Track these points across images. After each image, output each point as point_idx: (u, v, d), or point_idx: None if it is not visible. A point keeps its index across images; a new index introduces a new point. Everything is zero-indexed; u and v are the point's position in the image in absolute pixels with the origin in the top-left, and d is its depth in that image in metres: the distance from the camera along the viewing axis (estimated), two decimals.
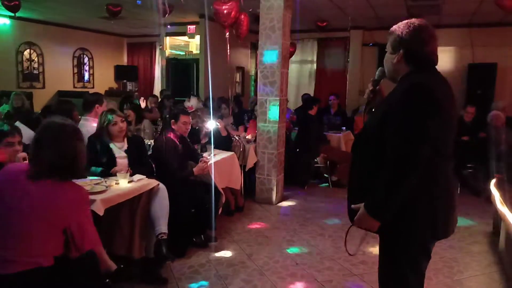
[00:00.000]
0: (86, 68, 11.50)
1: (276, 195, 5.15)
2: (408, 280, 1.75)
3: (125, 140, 3.38)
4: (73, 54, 10.97)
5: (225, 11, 4.78)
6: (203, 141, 4.58)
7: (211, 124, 4.51)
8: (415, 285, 1.78)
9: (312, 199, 5.46)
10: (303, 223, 4.52)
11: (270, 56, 4.86)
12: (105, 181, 2.94)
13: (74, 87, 11.07)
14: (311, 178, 6.20)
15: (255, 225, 4.42)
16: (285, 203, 5.24)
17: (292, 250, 3.79)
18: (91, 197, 2.63)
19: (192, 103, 5.85)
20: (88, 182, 2.88)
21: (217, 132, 4.65)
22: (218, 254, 3.64)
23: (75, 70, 11.12)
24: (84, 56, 11.34)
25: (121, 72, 11.97)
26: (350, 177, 1.85)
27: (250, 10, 5.13)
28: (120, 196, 2.79)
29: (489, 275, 3.37)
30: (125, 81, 12.03)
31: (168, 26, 7.95)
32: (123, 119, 3.31)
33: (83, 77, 11.43)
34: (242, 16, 5.40)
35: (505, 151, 5.13)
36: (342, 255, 3.65)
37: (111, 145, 3.29)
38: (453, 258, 3.62)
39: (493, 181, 3.98)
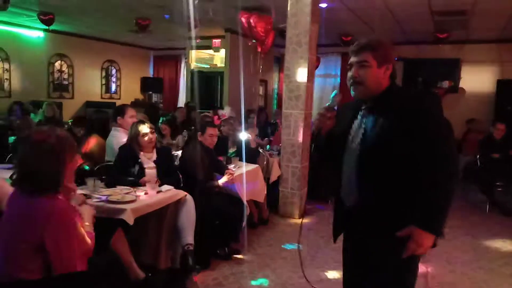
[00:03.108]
0: (114, 79, 11.82)
1: (299, 209, 5.12)
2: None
3: (154, 151, 3.45)
4: (101, 65, 11.30)
5: (258, 27, 4.84)
6: (231, 150, 4.64)
7: (243, 135, 4.57)
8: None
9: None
10: (327, 239, 4.47)
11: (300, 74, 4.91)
12: (135, 191, 3.00)
13: (102, 97, 11.39)
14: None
15: (278, 239, 4.40)
16: (308, 218, 5.21)
17: (316, 265, 3.76)
18: (121, 206, 2.70)
19: (226, 111, 5.99)
20: (118, 191, 2.95)
21: (246, 144, 4.70)
22: (242, 267, 3.64)
23: (103, 82, 11.44)
24: (112, 68, 11.66)
25: (147, 84, 12.24)
26: (361, 198, 1.79)
27: (281, 26, 5.18)
28: (150, 206, 2.84)
29: None
30: (150, 92, 12.30)
31: (198, 40, 8.10)
32: (153, 130, 3.38)
33: (111, 88, 11.74)
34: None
35: None
36: None
37: (141, 156, 3.35)
38: (483, 280, 3.50)
39: None
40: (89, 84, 10.96)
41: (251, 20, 5.17)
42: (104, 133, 4.20)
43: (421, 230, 1.64)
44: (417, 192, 1.66)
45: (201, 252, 3.43)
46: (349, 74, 1.82)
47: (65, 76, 10.34)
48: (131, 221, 2.62)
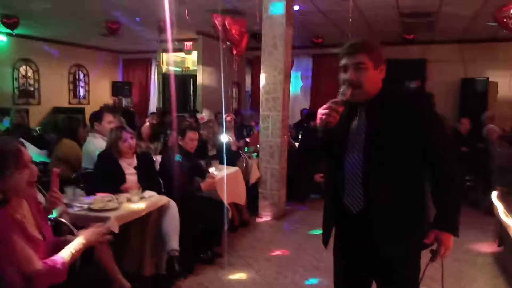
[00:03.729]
0: (82, 84, 11.51)
1: (279, 210, 5.16)
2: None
3: (134, 156, 3.39)
4: (68, 70, 10.98)
5: (233, 30, 4.85)
6: (211, 153, 4.62)
7: (224, 138, 4.56)
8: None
9: (314, 213, 5.47)
10: (307, 238, 4.53)
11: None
12: (116, 198, 2.94)
13: (70, 103, 11.07)
14: (311, 192, 6.22)
15: (260, 241, 4.42)
16: (288, 218, 5.25)
17: (299, 265, 3.79)
18: (105, 214, 2.64)
19: (204, 114, 5.94)
20: (100, 199, 2.88)
21: (227, 146, 4.69)
22: (226, 271, 3.63)
23: (71, 87, 11.12)
24: (80, 72, 11.35)
25: (116, 88, 11.96)
26: (376, 205, 1.70)
27: (257, 28, 5.20)
28: (134, 213, 2.80)
29: (495, 286, 3.41)
30: (120, 97, 12.04)
31: (176, 43, 8.01)
32: (133, 136, 3.33)
33: (79, 93, 11.42)
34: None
35: (503, 164, 5.23)
36: None
37: (121, 162, 3.29)
38: (460, 271, 3.65)
39: (495, 194, 4.05)
40: (56, 90, 10.62)
41: (226, 23, 5.16)
42: (75, 139, 4.10)
43: (446, 233, 1.70)
44: (424, 195, 1.72)
45: (185, 257, 3.40)
46: (344, 76, 1.71)
47: (31, 81, 9.99)
48: (116, 229, 2.56)
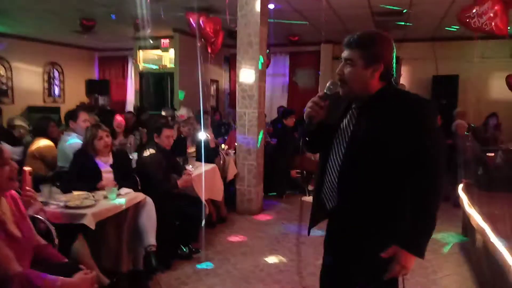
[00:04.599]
0: (57, 82, 11.31)
1: (256, 206, 5.26)
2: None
3: (110, 154, 3.42)
4: (43, 68, 10.79)
5: (207, 28, 4.90)
6: (190, 150, 4.68)
7: (202, 135, 4.62)
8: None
9: (291, 209, 5.60)
10: (284, 232, 4.64)
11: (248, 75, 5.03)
12: (93, 196, 2.97)
13: (45, 102, 10.87)
14: (288, 188, 6.34)
15: (237, 236, 4.50)
16: (265, 213, 5.36)
17: (275, 258, 3.90)
18: (81, 211, 2.67)
19: (183, 112, 6.00)
20: (76, 197, 2.90)
21: (205, 144, 4.74)
22: (203, 265, 3.70)
23: (46, 85, 10.92)
24: (54, 70, 11.16)
25: (92, 86, 11.83)
26: (344, 205, 1.69)
27: (233, 26, 5.27)
28: (110, 210, 2.83)
29: (461, 274, 3.60)
30: (96, 95, 11.89)
31: (151, 41, 7.99)
32: (108, 134, 3.35)
33: (54, 91, 11.23)
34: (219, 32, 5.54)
35: (470, 157, 5.47)
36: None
37: (97, 160, 3.31)
38: (427, 260, 3.82)
39: (461, 186, 4.25)
40: (30, 88, 10.40)
41: (200, 21, 5.21)
42: (46, 138, 4.08)
43: (406, 252, 1.54)
44: (397, 205, 1.59)
45: (162, 253, 3.45)
46: (337, 69, 1.68)
47: (3, 80, 9.77)
48: (92, 226, 2.60)
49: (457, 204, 4.69)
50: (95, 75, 12.45)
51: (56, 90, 11.32)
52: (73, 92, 11.58)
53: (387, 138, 1.56)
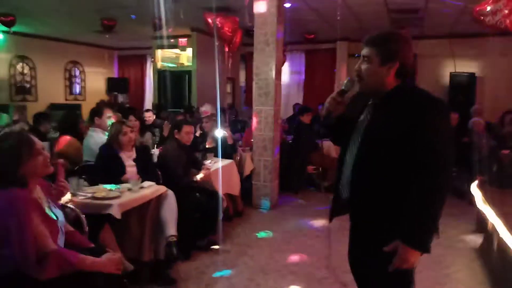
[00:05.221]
0: (78, 80, 11.65)
1: (272, 201, 5.38)
2: (411, 278, 1.77)
3: (134, 149, 3.58)
4: (64, 67, 11.12)
5: (225, 28, 5.03)
6: (211, 145, 4.85)
7: (219, 132, 4.77)
8: (413, 280, 1.80)
9: (306, 204, 5.70)
10: (299, 227, 4.76)
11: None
12: (118, 188, 3.13)
13: (66, 99, 11.21)
14: (303, 184, 6.44)
15: (253, 229, 4.63)
16: (280, 208, 5.48)
17: (290, 251, 4.02)
18: (107, 202, 2.84)
19: (205, 108, 6.21)
20: (102, 189, 3.07)
21: (223, 140, 4.90)
22: (221, 257, 3.84)
23: (67, 83, 11.26)
24: (76, 69, 11.48)
25: (112, 85, 12.13)
26: (353, 192, 1.78)
27: (250, 24, 5.39)
28: (135, 200, 2.99)
29: (473, 269, 3.65)
30: (116, 93, 12.19)
31: (170, 40, 8.18)
32: (132, 130, 3.52)
33: (75, 89, 11.57)
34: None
35: (486, 155, 5.47)
36: (337, 256, 3.88)
37: (121, 154, 3.48)
38: (441, 254, 3.88)
39: (475, 183, 4.28)
40: (52, 86, 10.77)
41: (217, 21, 5.34)
42: (75, 134, 4.27)
43: (407, 246, 1.59)
44: (404, 201, 1.61)
45: (182, 244, 3.60)
46: (355, 66, 1.78)
47: (28, 78, 10.12)
48: (118, 215, 2.76)
49: (472, 202, 4.73)
50: (114, 73, 12.75)
51: (77, 88, 11.66)
52: (93, 90, 11.91)
53: (397, 134, 1.62)
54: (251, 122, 5.99)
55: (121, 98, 12.30)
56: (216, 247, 4.03)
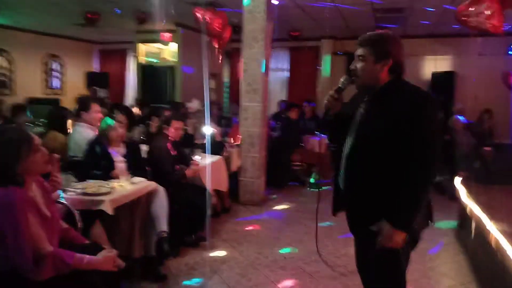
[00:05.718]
0: (57, 74, 11.36)
1: (258, 197, 5.40)
2: (402, 267, 1.90)
3: (123, 145, 3.53)
4: (43, 60, 10.83)
5: (215, 23, 5.00)
6: (199, 142, 4.81)
7: (208, 130, 4.74)
8: (404, 271, 1.95)
9: (292, 200, 5.74)
10: (287, 222, 4.79)
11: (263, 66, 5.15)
12: (108, 184, 3.08)
13: (45, 93, 10.92)
14: (289, 180, 6.48)
15: (241, 225, 4.64)
16: (267, 204, 5.50)
17: (280, 246, 4.04)
18: (99, 198, 2.79)
19: (193, 104, 6.13)
20: (92, 184, 3.02)
21: (211, 137, 4.87)
22: (210, 253, 3.84)
23: (45, 77, 10.97)
24: (54, 62, 11.20)
25: (92, 79, 11.84)
26: (348, 183, 1.92)
27: (236, 21, 5.38)
28: (126, 196, 2.96)
29: (457, 262, 3.76)
30: (96, 88, 11.93)
31: (155, 35, 8.06)
32: (122, 125, 3.47)
33: (53, 84, 11.29)
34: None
35: (466, 152, 5.63)
36: (326, 250, 3.94)
37: (110, 150, 3.43)
38: (425, 248, 3.98)
39: (458, 179, 4.40)
40: (30, 80, 10.46)
41: (207, 17, 5.31)
42: (63, 129, 4.17)
43: (390, 226, 1.73)
44: (394, 188, 1.73)
45: (172, 241, 3.58)
46: (350, 65, 1.92)
47: (5, 72, 9.81)
48: (110, 211, 2.72)
49: (453, 197, 4.85)
50: (95, 67, 12.50)
51: (56, 82, 11.38)
52: (72, 84, 11.63)
53: (391, 125, 1.74)
54: (236, 119, 5.99)
55: (101, 93, 12.04)
56: (205, 243, 4.02)
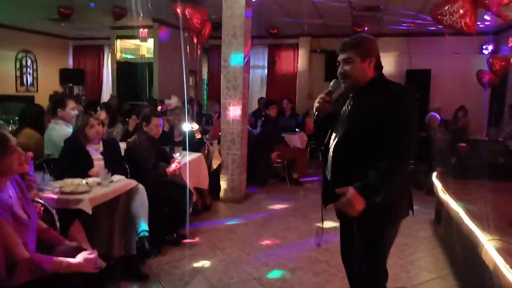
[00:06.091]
0: (30, 71, 11.03)
1: (239, 194, 5.39)
2: (384, 257, 2.08)
3: (101, 142, 3.46)
4: (15, 56, 10.50)
5: (194, 19, 4.94)
6: (177, 139, 4.74)
7: (187, 127, 4.68)
8: (386, 262, 2.11)
9: (273, 197, 5.75)
10: (268, 219, 4.80)
11: (237, 59, 5.11)
12: (86, 182, 3.01)
13: (17, 91, 10.59)
14: (270, 177, 6.49)
15: (223, 223, 4.62)
16: (248, 201, 5.49)
17: (261, 242, 4.05)
18: (77, 196, 2.72)
19: (172, 101, 6.03)
20: (69, 183, 2.94)
21: (191, 134, 4.81)
22: (192, 250, 3.81)
23: (18, 74, 10.64)
24: (28, 58, 10.87)
25: (66, 76, 11.56)
26: (335, 173, 2.03)
27: (214, 17, 5.34)
28: (106, 195, 2.89)
29: (434, 256, 3.84)
30: (71, 85, 11.65)
31: (132, 31, 7.91)
32: (99, 122, 3.39)
33: (26, 80, 10.95)
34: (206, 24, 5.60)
35: (442, 148, 5.77)
36: (308, 245, 3.97)
37: (87, 148, 3.35)
38: (404, 243, 4.06)
39: (435, 174, 4.50)
40: (2, 77, 10.13)
41: (186, 12, 5.24)
42: (39, 127, 4.04)
43: (353, 189, 1.84)
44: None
45: (152, 239, 3.52)
46: (339, 70, 2.03)
47: None
48: (89, 210, 2.66)
49: (430, 192, 4.97)
50: (69, 64, 12.20)
51: (29, 79, 11.05)
52: (46, 81, 11.32)
53: (376, 114, 1.88)
54: (216, 116, 5.96)
55: (76, 90, 11.77)
56: (187, 241, 3.99)
